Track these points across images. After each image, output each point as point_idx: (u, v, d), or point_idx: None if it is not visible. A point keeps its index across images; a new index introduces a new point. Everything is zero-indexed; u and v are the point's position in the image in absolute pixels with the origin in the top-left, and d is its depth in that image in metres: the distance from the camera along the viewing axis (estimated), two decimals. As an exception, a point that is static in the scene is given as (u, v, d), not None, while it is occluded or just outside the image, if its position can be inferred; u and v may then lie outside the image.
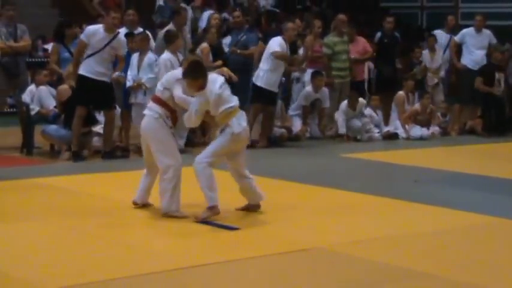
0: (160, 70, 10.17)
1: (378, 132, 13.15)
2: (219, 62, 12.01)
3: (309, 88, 12.85)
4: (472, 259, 6.16)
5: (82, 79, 10.11)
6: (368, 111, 13.06)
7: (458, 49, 15.06)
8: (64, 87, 10.60)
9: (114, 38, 10.13)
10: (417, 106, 13.52)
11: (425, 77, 14.17)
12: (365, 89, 14.26)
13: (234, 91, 12.25)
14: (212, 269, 5.79)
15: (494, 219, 7.50)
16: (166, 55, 10.53)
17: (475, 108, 14.49)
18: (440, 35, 14.97)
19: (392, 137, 13.14)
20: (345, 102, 12.68)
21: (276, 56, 11.46)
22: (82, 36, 10.22)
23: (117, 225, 7.00)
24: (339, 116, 12.64)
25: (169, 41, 10.68)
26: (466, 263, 6.02)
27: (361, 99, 12.90)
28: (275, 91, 11.78)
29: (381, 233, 6.85)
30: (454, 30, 15.23)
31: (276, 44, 11.53)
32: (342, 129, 12.65)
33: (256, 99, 11.80)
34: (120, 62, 10.39)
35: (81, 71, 10.12)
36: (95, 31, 10.10)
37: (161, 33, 11.58)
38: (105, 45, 10.05)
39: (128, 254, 6.13)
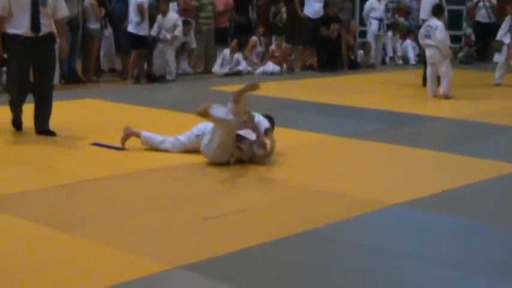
0: None
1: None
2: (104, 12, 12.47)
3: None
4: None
5: None
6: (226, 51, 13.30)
7: (301, 1, 15.15)
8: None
9: None
10: (273, 46, 13.98)
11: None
12: (226, 34, 14.20)
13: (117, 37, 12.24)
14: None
15: (330, 136, 7.92)
16: None
17: (313, 49, 14.66)
18: None
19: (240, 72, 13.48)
20: None
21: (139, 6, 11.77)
22: None
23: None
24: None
25: None
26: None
27: None
28: (146, 35, 11.62)
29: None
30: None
31: None
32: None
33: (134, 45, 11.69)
34: None
35: None
36: None
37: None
38: None
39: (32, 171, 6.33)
